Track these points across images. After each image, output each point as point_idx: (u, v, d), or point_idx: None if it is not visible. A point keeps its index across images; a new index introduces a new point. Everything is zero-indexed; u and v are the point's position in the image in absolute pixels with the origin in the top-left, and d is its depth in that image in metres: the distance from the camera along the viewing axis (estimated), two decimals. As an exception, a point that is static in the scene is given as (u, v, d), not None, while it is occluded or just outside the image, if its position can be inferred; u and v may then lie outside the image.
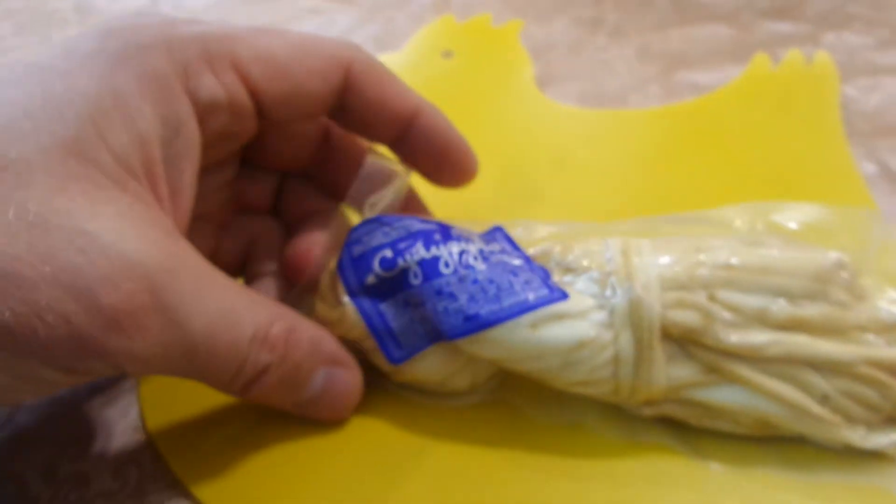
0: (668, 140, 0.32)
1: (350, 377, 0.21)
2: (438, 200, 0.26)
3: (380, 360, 0.21)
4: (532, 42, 0.40)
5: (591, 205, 0.29)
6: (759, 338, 0.18)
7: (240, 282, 0.24)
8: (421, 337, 0.20)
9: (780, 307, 0.18)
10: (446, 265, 0.19)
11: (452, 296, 0.19)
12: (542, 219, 0.24)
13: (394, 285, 0.20)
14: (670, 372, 0.19)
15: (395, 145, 0.23)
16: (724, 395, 0.19)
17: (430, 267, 0.19)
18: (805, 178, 0.29)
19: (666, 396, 0.19)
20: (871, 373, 0.18)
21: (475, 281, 0.19)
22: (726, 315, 0.18)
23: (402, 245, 0.20)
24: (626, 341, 0.19)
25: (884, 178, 0.29)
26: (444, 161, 0.23)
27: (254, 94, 0.20)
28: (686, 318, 0.18)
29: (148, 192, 0.18)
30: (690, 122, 0.32)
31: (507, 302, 0.19)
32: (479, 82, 0.36)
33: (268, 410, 0.21)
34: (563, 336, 0.19)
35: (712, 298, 0.19)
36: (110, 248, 0.16)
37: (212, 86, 0.19)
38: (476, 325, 0.19)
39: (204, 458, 0.21)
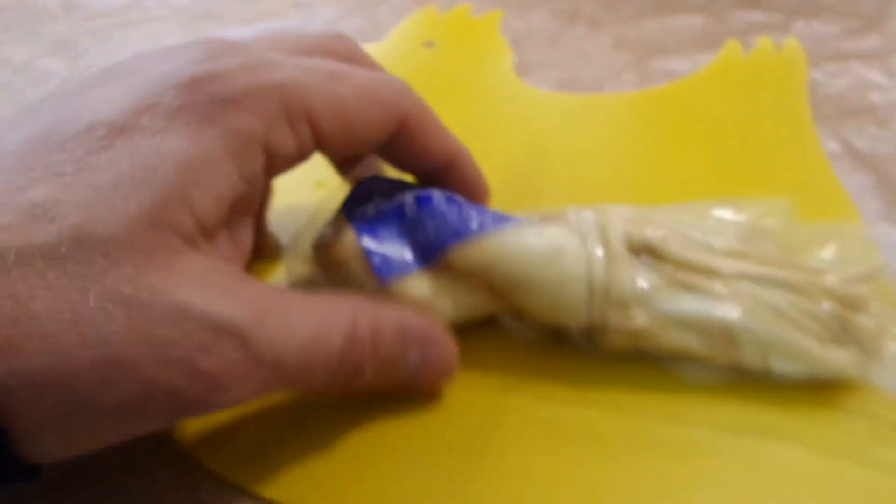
0: (642, 123, 0.33)
1: (442, 350, 0.21)
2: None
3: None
4: (511, 33, 0.41)
5: (570, 187, 0.30)
6: (713, 258, 0.20)
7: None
8: (411, 260, 0.22)
9: (722, 241, 0.21)
10: (438, 198, 0.22)
11: (444, 216, 0.22)
12: (521, 202, 0.25)
13: (390, 216, 0.22)
14: (637, 282, 0.20)
15: (426, 180, 0.24)
16: (688, 304, 0.20)
17: (424, 197, 0.22)
18: (773, 156, 0.30)
19: (634, 310, 0.21)
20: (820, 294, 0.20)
21: (463, 206, 0.22)
22: (679, 240, 0.21)
23: (400, 186, 0.23)
24: (597, 251, 0.21)
25: (847, 156, 0.30)
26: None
27: (320, 142, 0.20)
28: (647, 235, 0.21)
29: (217, 246, 0.18)
30: (664, 106, 0.33)
31: (492, 219, 0.22)
32: (460, 71, 0.37)
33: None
34: (543, 244, 0.21)
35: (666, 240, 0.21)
36: (202, 317, 0.16)
37: (287, 140, 0.20)
38: (465, 237, 0.21)
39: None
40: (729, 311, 0.20)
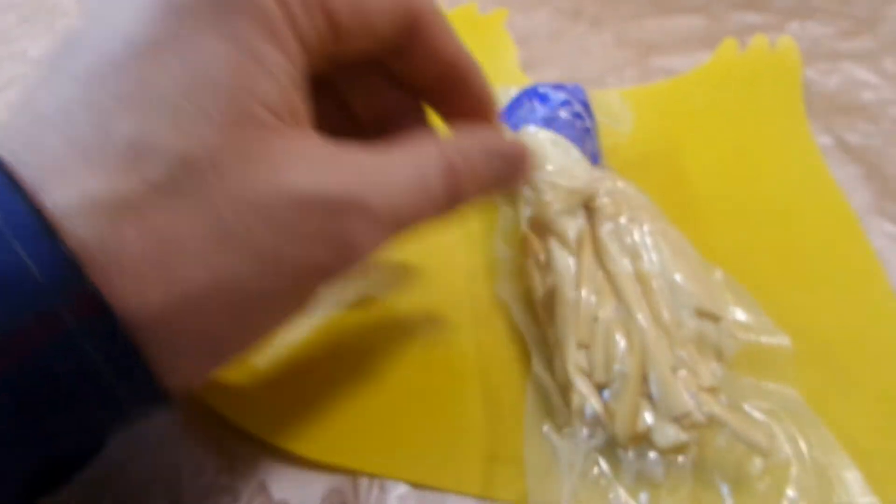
0: (642, 116, 0.34)
1: (519, 148, 0.23)
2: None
3: None
4: (515, 31, 0.42)
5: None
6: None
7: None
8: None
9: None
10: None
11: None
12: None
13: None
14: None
15: (436, 93, 0.24)
16: None
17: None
18: (767, 148, 0.31)
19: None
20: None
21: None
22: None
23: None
24: None
25: (838, 150, 0.32)
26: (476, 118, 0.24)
27: (336, 31, 0.20)
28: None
29: (301, 126, 0.19)
30: (663, 100, 0.35)
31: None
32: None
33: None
34: None
35: None
36: (322, 198, 0.18)
37: (306, 25, 0.19)
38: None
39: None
40: None
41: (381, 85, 0.24)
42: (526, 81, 0.37)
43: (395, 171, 0.20)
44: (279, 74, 0.18)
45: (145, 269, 0.16)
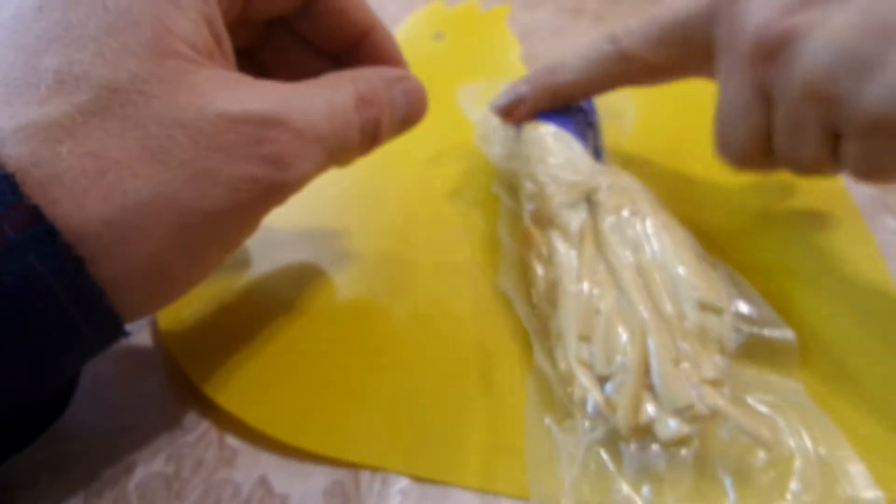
0: (645, 113, 0.34)
1: (415, 82, 0.25)
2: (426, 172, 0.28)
3: None
4: (518, 27, 0.42)
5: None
6: None
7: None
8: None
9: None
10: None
11: None
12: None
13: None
14: None
15: (345, 56, 0.25)
16: None
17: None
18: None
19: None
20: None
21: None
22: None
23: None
24: None
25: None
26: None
27: None
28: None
29: (219, 64, 0.20)
30: (666, 97, 0.34)
31: None
32: (469, 60, 0.38)
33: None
34: None
35: None
36: (246, 116, 0.19)
37: None
38: None
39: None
40: None
41: (295, 47, 0.25)
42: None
43: (310, 97, 0.21)
44: (195, 15, 0.19)
45: (83, 184, 0.16)
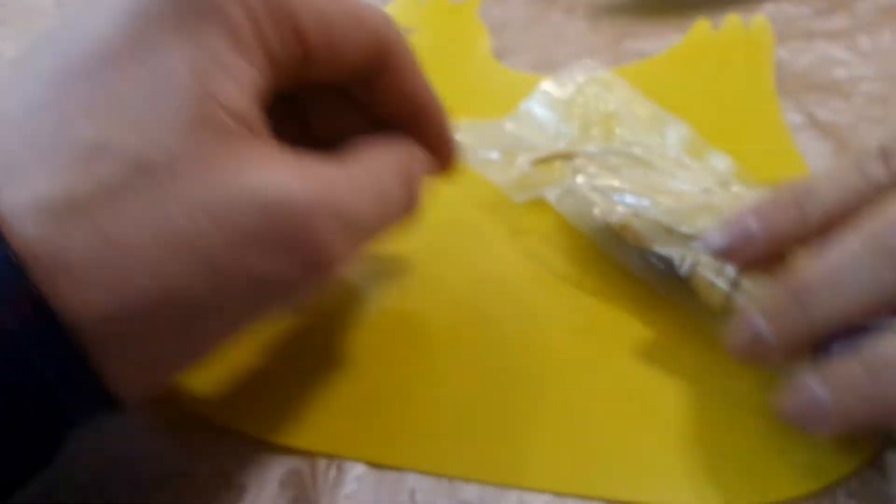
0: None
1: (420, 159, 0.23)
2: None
3: None
4: (490, 19, 0.42)
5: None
6: None
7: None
8: None
9: None
10: None
11: None
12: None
13: None
14: None
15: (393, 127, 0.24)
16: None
17: None
18: (738, 126, 0.31)
19: None
20: None
21: None
22: None
23: None
24: None
25: (809, 127, 0.32)
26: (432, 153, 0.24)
27: (306, 55, 0.20)
28: None
29: (264, 137, 0.18)
30: (635, 82, 0.34)
31: None
32: (440, 53, 0.38)
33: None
34: None
35: None
36: (288, 200, 0.17)
37: (276, 45, 0.19)
38: None
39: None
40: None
41: (345, 108, 0.24)
42: (498, 69, 0.37)
43: (356, 178, 0.19)
44: (243, 82, 0.18)
45: (90, 272, 0.15)
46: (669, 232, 0.24)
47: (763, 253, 0.21)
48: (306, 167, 0.18)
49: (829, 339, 0.19)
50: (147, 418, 0.23)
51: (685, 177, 0.26)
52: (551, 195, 0.28)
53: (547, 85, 0.33)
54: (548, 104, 0.32)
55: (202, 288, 0.16)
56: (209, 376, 0.23)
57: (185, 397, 0.23)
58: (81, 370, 0.16)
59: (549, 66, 0.38)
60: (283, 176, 0.17)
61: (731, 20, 0.37)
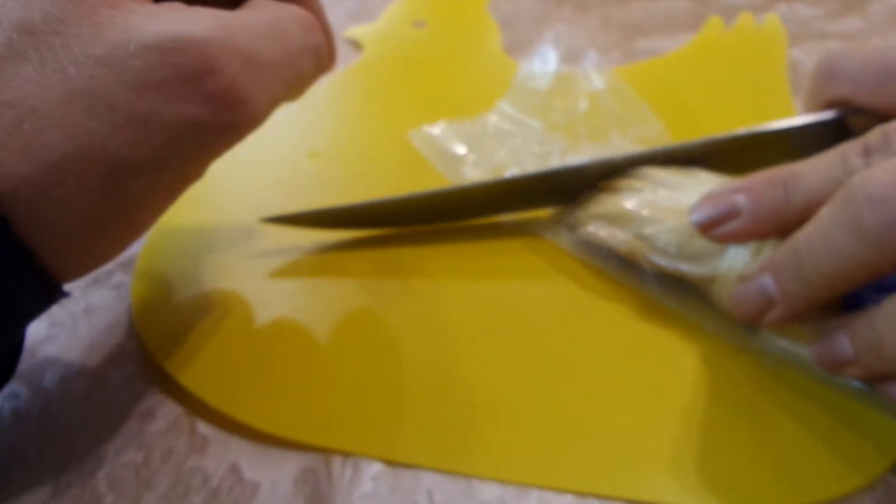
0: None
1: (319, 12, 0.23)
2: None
3: None
4: (500, 15, 0.42)
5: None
6: None
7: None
8: None
9: None
10: None
11: None
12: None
13: None
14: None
15: None
16: None
17: None
18: (751, 123, 0.31)
19: None
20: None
21: None
22: None
23: None
24: None
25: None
26: None
27: None
28: None
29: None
30: (647, 79, 0.34)
31: None
32: (449, 47, 0.38)
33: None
34: None
35: None
36: (189, 43, 0.17)
37: None
38: None
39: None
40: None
41: None
42: (510, 63, 0.37)
43: (254, 19, 0.19)
44: None
45: (1, 140, 0.15)
46: (681, 249, 0.23)
47: (745, 229, 0.21)
48: (199, 12, 0.18)
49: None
50: (162, 413, 0.22)
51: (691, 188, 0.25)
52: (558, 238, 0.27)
53: (521, 76, 0.33)
54: (524, 96, 0.32)
55: (119, 141, 0.16)
56: (226, 371, 0.23)
57: (202, 391, 0.22)
58: (8, 238, 0.15)
59: (562, 62, 0.37)
60: (175, 21, 0.17)
61: (744, 18, 0.37)
